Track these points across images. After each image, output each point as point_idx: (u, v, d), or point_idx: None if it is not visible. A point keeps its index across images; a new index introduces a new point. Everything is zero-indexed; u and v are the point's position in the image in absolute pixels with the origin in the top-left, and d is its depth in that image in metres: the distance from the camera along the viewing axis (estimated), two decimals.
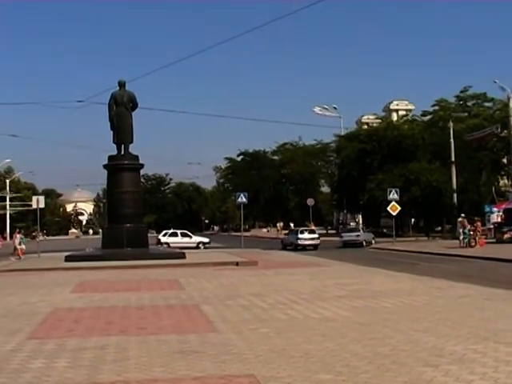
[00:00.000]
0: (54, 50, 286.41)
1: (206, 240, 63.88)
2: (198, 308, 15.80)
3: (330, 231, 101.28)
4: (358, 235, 60.11)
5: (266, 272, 27.22)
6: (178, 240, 60.11)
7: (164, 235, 62.49)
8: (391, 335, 11.51)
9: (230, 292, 19.26)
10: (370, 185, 73.59)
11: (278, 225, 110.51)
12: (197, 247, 58.90)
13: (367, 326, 12.62)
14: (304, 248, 54.33)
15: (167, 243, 58.78)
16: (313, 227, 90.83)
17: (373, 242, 59.98)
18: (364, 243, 58.08)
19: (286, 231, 72.01)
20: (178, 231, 64.56)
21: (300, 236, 56.74)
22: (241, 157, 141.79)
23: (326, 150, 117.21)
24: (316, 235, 58.74)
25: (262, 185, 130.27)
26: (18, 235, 47.38)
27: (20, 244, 45.70)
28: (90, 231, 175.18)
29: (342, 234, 64.92)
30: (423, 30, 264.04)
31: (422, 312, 14.40)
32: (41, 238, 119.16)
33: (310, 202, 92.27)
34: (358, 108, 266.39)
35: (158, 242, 59.79)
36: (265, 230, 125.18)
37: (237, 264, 31.80)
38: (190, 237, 62.70)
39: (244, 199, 54.77)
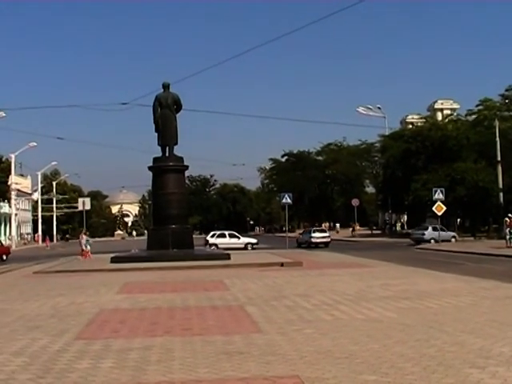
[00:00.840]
0: (100, 53, 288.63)
1: (254, 241, 63.83)
2: (242, 309, 15.80)
3: (374, 231, 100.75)
4: (423, 233, 63.29)
5: (310, 273, 27.13)
6: (226, 241, 60.20)
7: (212, 236, 62.46)
8: (437, 336, 11.40)
9: (274, 293, 19.23)
10: (415, 185, 73.27)
11: (323, 225, 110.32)
12: (245, 248, 59.10)
13: (413, 327, 12.53)
14: (316, 245, 62.03)
15: (215, 244, 58.82)
16: (358, 227, 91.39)
17: (452, 240, 62.42)
18: (433, 241, 60.02)
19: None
20: (226, 232, 64.70)
21: (313, 235, 64.91)
22: (285, 157, 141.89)
23: (370, 150, 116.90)
24: (326, 234, 67.94)
25: (307, 185, 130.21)
26: (84, 236, 47.91)
27: (86, 245, 46.21)
28: (134, 233, 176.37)
29: (412, 232, 69.51)
30: (467, 30, 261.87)
31: (468, 313, 14.26)
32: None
33: (355, 202, 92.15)
34: (402, 108, 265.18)
35: (206, 243, 59.88)
36: None
37: (281, 265, 31.73)
38: (238, 238, 62.89)
39: (289, 200, 54.69)
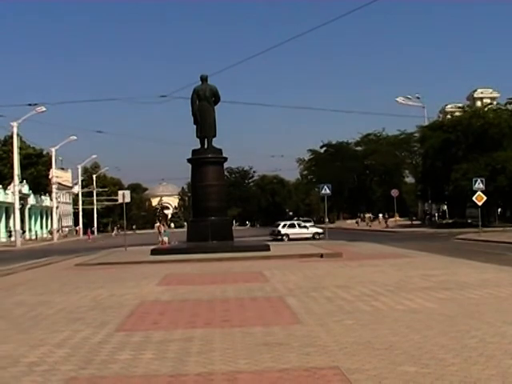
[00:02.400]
0: (138, 46, 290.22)
1: (320, 231, 64.63)
2: (282, 300, 15.80)
3: (414, 222, 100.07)
4: None
5: (350, 263, 27.04)
6: (297, 231, 62.24)
7: (283, 226, 63.94)
8: (478, 327, 11.32)
9: (314, 284, 19.20)
10: (455, 175, 72.65)
11: (366, 216, 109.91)
12: (313, 238, 60.59)
13: (453, 317, 12.44)
14: None
15: (287, 234, 61.10)
16: (397, 218, 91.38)
17: None
18: None
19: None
20: (295, 222, 67.38)
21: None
22: (324, 148, 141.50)
23: (409, 140, 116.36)
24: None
25: (346, 176, 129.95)
26: (162, 227, 48.86)
27: (163, 236, 47.07)
28: (172, 225, 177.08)
29: None
30: (506, 18, 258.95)
31: (510, 303, 14.14)
32: (115, 232, 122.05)
33: (395, 192, 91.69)
34: (441, 97, 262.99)
35: (278, 233, 62.17)
36: (350, 221, 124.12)
37: (321, 256, 31.64)
38: (307, 228, 65.13)
39: (328, 191, 54.39)
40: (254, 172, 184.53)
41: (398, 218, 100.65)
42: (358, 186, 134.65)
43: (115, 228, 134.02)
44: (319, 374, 8.41)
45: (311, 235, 61.91)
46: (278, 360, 9.28)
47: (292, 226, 64.17)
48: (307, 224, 68.77)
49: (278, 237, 60.40)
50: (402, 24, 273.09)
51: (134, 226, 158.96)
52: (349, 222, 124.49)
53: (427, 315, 12.79)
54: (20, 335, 12.10)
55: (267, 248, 35.19)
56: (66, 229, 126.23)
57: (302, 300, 15.64)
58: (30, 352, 10.47)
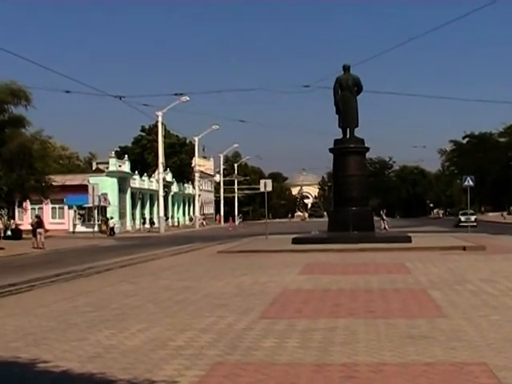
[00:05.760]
0: (282, 38, 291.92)
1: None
2: (425, 292, 15.63)
3: None
4: None
5: (494, 257, 26.42)
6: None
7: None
8: None
9: (457, 277, 18.88)
10: None
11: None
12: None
13: None
14: None
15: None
16: None
17: None
18: None
19: None
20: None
21: None
22: (466, 139, 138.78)
23: None
24: None
25: (489, 168, 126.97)
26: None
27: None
28: (305, 214, 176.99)
29: None
30: None
31: None
32: (238, 220, 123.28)
33: None
34: None
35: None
36: (493, 214, 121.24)
37: (464, 248, 31.07)
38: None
39: (471, 182, 53.27)
40: (393, 162, 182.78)
41: None
42: (502, 178, 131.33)
43: (238, 217, 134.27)
44: (466, 370, 8.24)
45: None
46: (423, 353, 9.17)
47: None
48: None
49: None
50: None
51: (289, 215, 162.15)
52: (491, 214, 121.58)
53: None
54: (167, 319, 12.48)
55: (409, 239, 34.81)
56: (202, 217, 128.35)
57: (445, 293, 15.41)
58: (177, 336, 10.78)
